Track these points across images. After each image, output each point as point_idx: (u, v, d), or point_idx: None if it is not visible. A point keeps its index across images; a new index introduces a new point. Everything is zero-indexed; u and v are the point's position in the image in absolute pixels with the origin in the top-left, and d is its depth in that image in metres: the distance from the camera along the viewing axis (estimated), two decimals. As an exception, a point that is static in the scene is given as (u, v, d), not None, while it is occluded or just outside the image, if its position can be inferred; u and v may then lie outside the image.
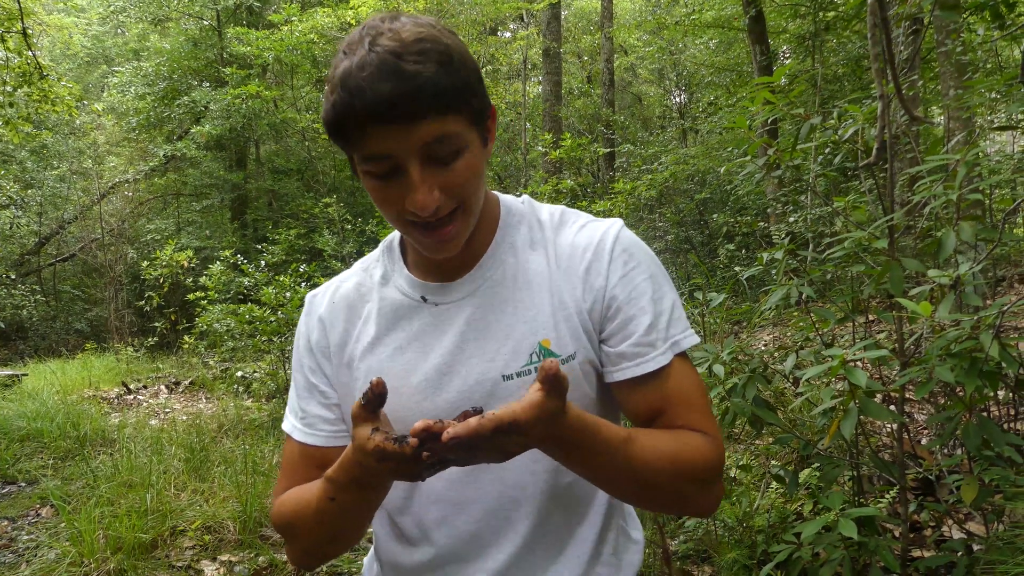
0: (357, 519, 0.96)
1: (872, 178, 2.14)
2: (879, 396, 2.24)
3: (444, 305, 1.01)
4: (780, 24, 10.85)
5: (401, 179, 0.87)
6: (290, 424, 1.09)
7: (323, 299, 1.10)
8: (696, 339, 1.01)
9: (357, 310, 1.07)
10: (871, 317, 2.37)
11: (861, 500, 2.25)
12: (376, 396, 0.81)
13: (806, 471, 2.84)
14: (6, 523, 4.32)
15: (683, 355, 1.00)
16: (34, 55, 8.31)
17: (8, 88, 8.45)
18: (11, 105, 8.52)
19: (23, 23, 7.96)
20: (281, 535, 1.05)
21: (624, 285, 0.98)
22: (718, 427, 0.99)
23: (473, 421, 0.74)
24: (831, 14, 9.46)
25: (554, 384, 0.76)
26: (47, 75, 8.49)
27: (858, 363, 1.71)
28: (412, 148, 0.84)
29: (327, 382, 1.07)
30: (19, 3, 7.86)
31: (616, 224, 1.03)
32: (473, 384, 0.98)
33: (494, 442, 0.75)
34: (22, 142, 10.37)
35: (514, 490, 1.01)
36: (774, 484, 3.00)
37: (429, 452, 0.76)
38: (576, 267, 1.00)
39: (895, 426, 2.35)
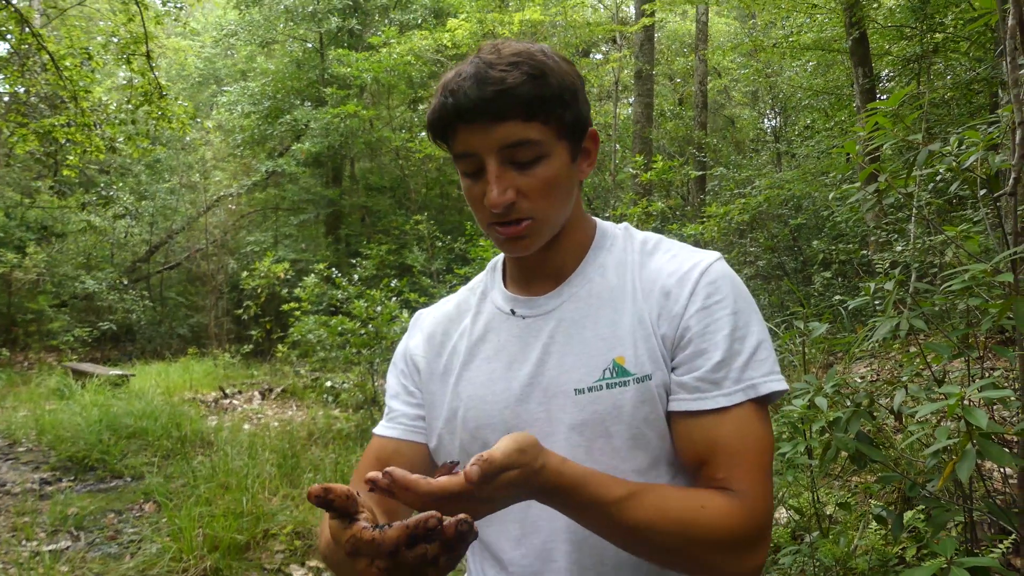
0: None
1: (994, 206, 2.03)
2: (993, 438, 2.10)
3: (530, 318, 1.04)
4: (883, 46, 10.46)
5: (483, 178, 0.94)
6: (379, 425, 1.14)
7: (428, 316, 1.18)
8: (783, 386, 0.93)
9: (455, 325, 1.12)
10: (982, 353, 2.24)
11: (974, 549, 2.12)
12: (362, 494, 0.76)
13: (909, 513, 2.69)
14: (112, 515, 4.58)
15: (759, 404, 0.93)
16: (155, 76, 8.89)
17: (130, 106, 9.08)
18: (133, 122, 9.14)
19: (147, 46, 8.54)
20: None
21: (701, 317, 0.95)
22: (765, 490, 0.90)
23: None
24: (939, 36, 9.03)
25: (482, 479, 0.73)
26: (166, 94, 9.06)
27: (973, 402, 1.62)
28: (491, 147, 0.92)
29: (415, 384, 1.12)
30: (144, 28, 8.44)
31: (711, 256, 1.00)
32: (550, 398, 0.98)
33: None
34: (140, 157, 11.07)
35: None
36: (873, 524, 2.86)
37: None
38: (656, 290, 0.98)
39: (1007, 470, 2.21)
